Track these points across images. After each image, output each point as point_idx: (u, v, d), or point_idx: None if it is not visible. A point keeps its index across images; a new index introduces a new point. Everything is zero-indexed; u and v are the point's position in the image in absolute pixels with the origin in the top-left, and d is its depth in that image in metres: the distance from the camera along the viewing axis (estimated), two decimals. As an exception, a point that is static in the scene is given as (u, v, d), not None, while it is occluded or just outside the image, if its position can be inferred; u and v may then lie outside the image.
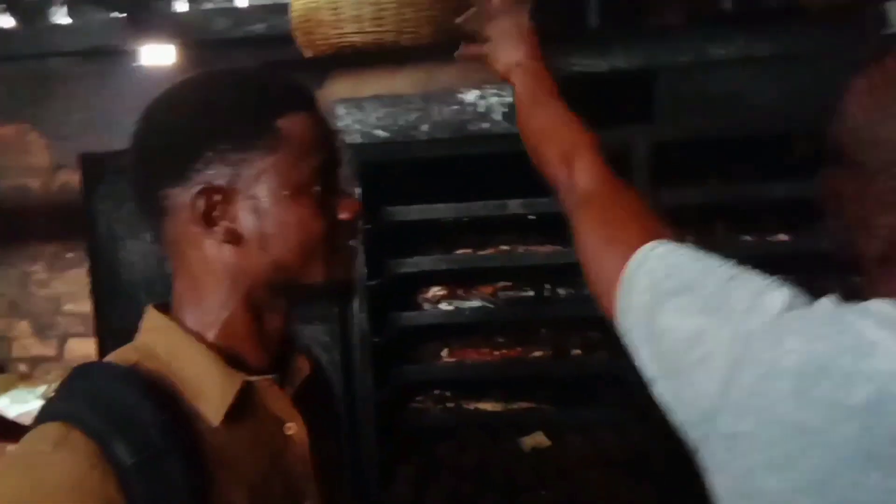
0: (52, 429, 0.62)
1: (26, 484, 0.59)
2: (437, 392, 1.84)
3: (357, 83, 1.66)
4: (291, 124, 0.71)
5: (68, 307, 3.29)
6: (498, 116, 1.63)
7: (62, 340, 3.31)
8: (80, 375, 0.69)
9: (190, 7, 3.33)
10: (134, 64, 3.35)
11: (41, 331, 3.31)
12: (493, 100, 1.62)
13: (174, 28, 3.29)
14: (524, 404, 1.81)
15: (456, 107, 1.63)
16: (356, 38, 1.68)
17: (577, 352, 1.79)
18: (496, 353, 1.80)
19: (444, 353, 1.82)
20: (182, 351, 0.70)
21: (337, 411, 0.91)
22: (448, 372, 1.80)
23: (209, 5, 3.34)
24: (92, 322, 3.25)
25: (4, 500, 0.59)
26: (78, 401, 0.65)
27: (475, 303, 1.81)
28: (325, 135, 0.75)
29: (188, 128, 0.71)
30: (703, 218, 1.81)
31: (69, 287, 3.25)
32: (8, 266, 3.37)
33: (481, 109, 1.62)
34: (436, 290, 1.84)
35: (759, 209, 1.78)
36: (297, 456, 0.74)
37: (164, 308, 0.75)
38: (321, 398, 0.85)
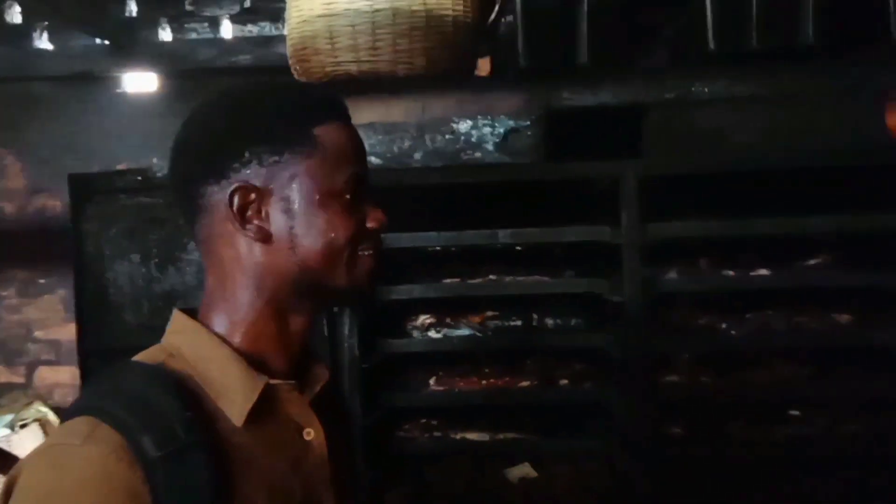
0: (82, 423, 0.64)
1: (54, 476, 0.61)
2: (424, 420, 1.83)
3: (352, 111, 1.68)
4: (327, 133, 0.75)
5: (39, 334, 3.22)
6: (490, 146, 1.66)
7: (31, 368, 3.23)
8: (109, 373, 0.71)
9: (174, 37, 3.35)
10: (116, 90, 3.35)
11: (10, 357, 3.24)
12: (486, 130, 1.66)
13: (158, 56, 3.30)
14: (511, 434, 1.81)
15: (449, 136, 1.66)
16: (352, 67, 1.71)
17: (564, 382, 1.80)
18: (483, 382, 1.81)
19: (432, 380, 1.82)
20: (207, 352, 0.72)
21: (348, 420, 0.92)
22: (435, 399, 1.80)
23: (194, 35, 3.36)
24: (63, 349, 3.19)
25: (34, 492, 0.61)
26: (106, 396, 0.67)
27: (464, 331, 1.82)
28: (358, 147, 0.79)
29: (229, 128, 0.74)
30: (688, 252, 1.86)
31: (41, 313, 3.19)
32: (-23, 291, 3.30)
33: (474, 139, 1.66)
34: (425, 318, 1.84)
35: (740, 244, 1.82)
36: (315, 461, 0.76)
37: (191, 313, 0.77)
38: (336, 406, 0.86)
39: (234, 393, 0.70)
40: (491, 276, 1.81)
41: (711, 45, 1.58)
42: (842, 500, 1.68)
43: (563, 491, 1.74)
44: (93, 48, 3.26)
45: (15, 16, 3.33)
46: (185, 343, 0.73)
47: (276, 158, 0.73)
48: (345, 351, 1.65)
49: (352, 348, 1.66)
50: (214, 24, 3.36)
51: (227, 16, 3.38)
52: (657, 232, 1.69)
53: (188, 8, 3.37)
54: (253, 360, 0.73)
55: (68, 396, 3.11)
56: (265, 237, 0.73)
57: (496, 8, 1.79)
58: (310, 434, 0.75)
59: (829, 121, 1.59)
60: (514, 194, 1.75)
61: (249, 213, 0.73)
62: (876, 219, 1.65)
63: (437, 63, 1.72)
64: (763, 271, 1.76)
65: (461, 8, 1.72)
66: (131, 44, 3.27)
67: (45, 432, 2.82)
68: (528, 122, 1.65)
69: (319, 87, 0.78)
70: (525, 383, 1.80)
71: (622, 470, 1.73)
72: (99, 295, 1.74)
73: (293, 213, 0.73)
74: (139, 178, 1.72)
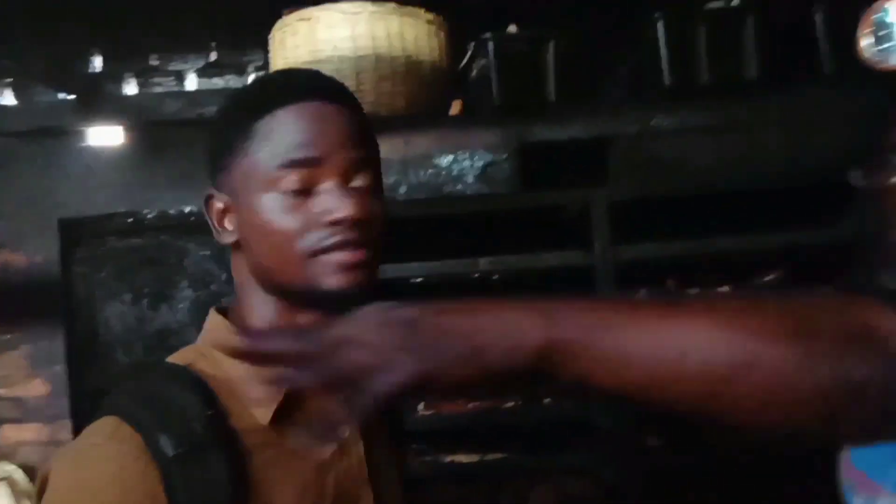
0: (106, 422, 0.66)
1: (76, 475, 0.63)
2: (415, 446, 1.88)
3: (338, 149, 1.77)
4: (270, 123, 0.69)
5: (2, 392, 3.13)
6: (470, 179, 1.77)
7: (-4, 426, 3.14)
8: (134, 374, 0.73)
9: (140, 91, 3.39)
10: (81, 144, 3.36)
11: (-27, 416, 3.14)
12: (466, 164, 1.77)
13: (123, 109, 3.34)
14: (499, 454, 1.87)
15: (432, 170, 1.76)
16: (337, 109, 1.81)
17: (548, 400, 1.88)
18: (470, 404, 1.87)
19: (421, 405, 1.88)
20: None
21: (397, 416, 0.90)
22: (425, 424, 1.85)
23: (159, 89, 3.42)
24: (27, 406, 3.11)
25: (60, 489, 0.63)
26: (128, 396, 0.68)
27: (448, 357, 1.89)
28: (314, 128, 0.69)
29: (210, 134, 0.76)
30: (657, 273, 1.98)
31: (4, 371, 3.10)
32: (-63, 350, 3.22)
33: (455, 173, 1.77)
34: (410, 347, 1.91)
35: (704, 263, 1.96)
36: (351, 458, 0.74)
37: (225, 312, 0.77)
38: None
39: (259, 392, 0.68)
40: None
41: (667, 80, 1.74)
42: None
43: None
44: (58, 103, 3.28)
45: (-23, 74, 3.33)
46: (214, 343, 0.73)
47: (227, 162, 0.72)
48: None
49: (345, 376, 1.71)
50: (180, 77, 3.42)
51: (193, 70, 3.44)
52: (628, 253, 1.81)
53: (152, 63, 3.42)
54: None
55: (33, 455, 3.03)
56: (237, 243, 0.73)
57: (468, 53, 1.92)
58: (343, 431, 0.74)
59: (776, 145, 1.76)
60: (494, 224, 1.85)
61: (221, 219, 0.73)
62: (821, 233, 1.80)
63: (415, 104, 1.83)
64: (725, 288, 1.89)
65: (437, 54, 1.85)
66: (96, 98, 3.31)
67: (14, 492, 2.75)
68: (505, 156, 1.77)
69: (291, 72, 0.77)
70: (510, 403, 1.87)
71: (608, 483, 1.81)
72: (90, 336, 1.77)
73: (245, 215, 0.71)
74: (130, 220, 1.77)
